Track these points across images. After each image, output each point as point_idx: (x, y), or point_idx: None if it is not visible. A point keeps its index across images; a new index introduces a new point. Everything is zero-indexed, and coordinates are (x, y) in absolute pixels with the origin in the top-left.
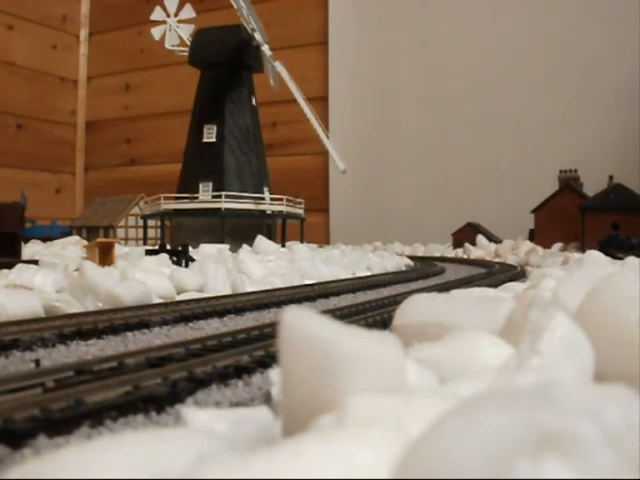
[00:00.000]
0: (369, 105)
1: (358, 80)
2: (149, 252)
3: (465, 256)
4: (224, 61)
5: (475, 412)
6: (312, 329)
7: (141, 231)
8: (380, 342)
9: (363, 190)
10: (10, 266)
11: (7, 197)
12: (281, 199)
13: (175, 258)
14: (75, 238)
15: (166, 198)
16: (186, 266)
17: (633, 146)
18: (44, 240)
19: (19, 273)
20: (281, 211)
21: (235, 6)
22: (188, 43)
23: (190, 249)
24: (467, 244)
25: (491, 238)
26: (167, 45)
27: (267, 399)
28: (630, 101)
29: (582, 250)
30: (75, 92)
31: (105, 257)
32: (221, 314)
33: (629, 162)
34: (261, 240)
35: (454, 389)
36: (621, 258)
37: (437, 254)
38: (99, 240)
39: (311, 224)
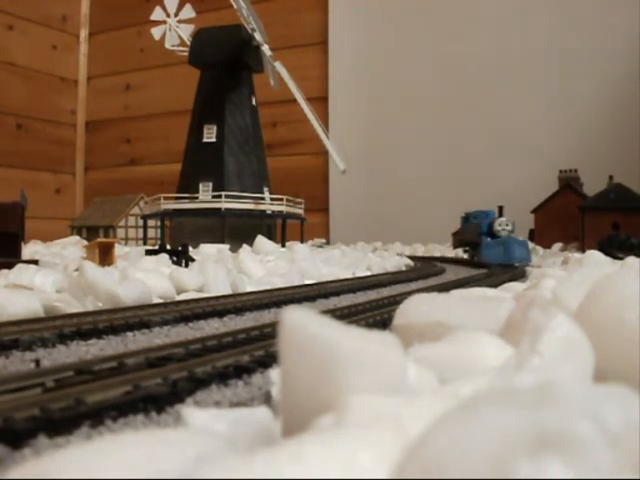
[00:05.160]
0: (369, 105)
1: (358, 80)
2: (149, 252)
3: (465, 256)
4: (224, 61)
5: (475, 412)
6: (312, 329)
7: (141, 231)
8: (380, 342)
9: (363, 190)
10: (10, 266)
11: (7, 197)
12: (281, 199)
13: (175, 258)
14: (75, 238)
15: (166, 198)
16: (186, 266)
17: (633, 146)
18: None
19: (19, 273)
20: (281, 211)
21: (235, 6)
22: (188, 43)
23: (190, 249)
24: None
25: None
26: (167, 45)
27: (267, 399)
28: (630, 101)
29: (582, 250)
30: (75, 92)
31: (105, 257)
32: (221, 314)
33: (629, 162)
34: (261, 240)
35: (454, 389)
36: (621, 258)
37: (437, 254)
38: (99, 240)
39: (311, 224)
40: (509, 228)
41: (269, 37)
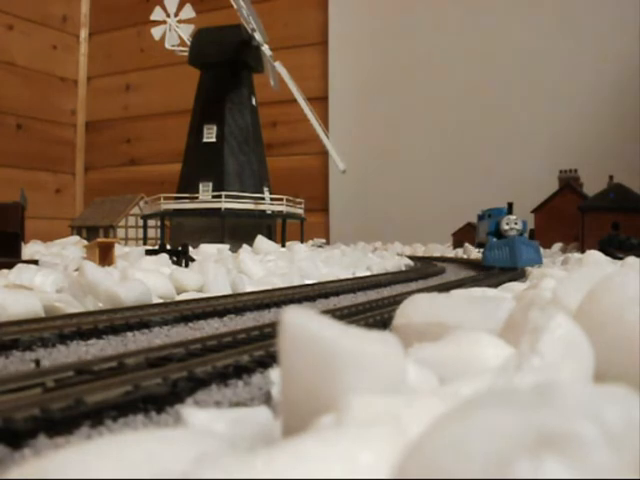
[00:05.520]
0: (369, 105)
1: (358, 80)
2: (149, 252)
3: (465, 256)
4: (224, 61)
5: (475, 412)
6: (312, 329)
7: (141, 231)
8: (380, 342)
9: (363, 190)
10: (10, 266)
11: (7, 197)
12: (281, 199)
13: (175, 258)
14: (75, 238)
15: (166, 198)
16: (186, 266)
17: (633, 146)
18: None
19: (19, 273)
20: (281, 211)
21: (235, 6)
22: (188, 43)
23: (190, 249)
24: (467, 244)
25: None
26: (167, 45)
27: (267, 399)
28: (630, 101)
29: (582, 250)
30: (75, 92)
31: (105, 257)
32: (221, 314)
33: (629, 162)
34: (261, 240)
35: (454, 389)
36: (621, 258)
37: (437, 254)
38: (99, 240)
39: (311, 224)
40: (518, 227)
41: (269, 37)
